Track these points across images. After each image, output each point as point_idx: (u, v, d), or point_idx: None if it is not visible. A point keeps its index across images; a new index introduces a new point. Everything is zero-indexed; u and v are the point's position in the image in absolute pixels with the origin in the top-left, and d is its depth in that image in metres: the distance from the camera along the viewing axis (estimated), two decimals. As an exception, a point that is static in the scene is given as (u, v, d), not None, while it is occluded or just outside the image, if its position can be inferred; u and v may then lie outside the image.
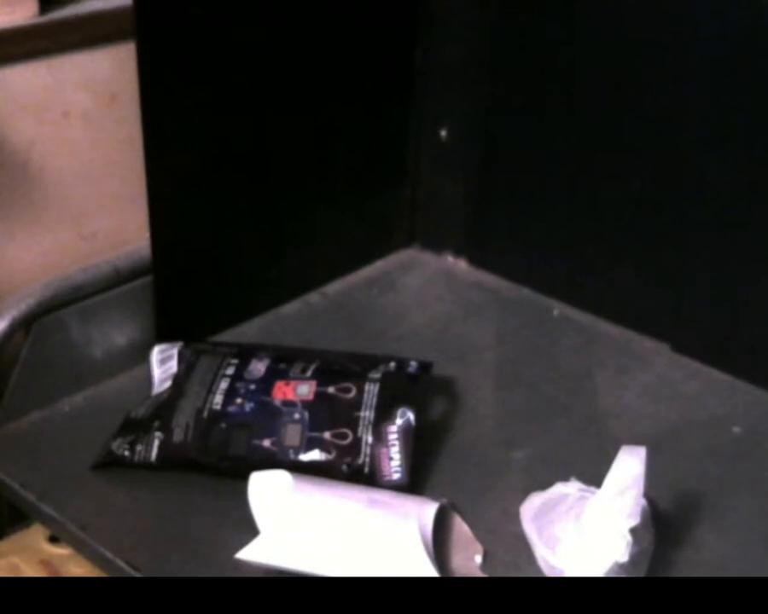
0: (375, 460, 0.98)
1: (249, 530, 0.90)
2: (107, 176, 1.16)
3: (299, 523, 0.90)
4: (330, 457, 0.98)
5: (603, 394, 1.18)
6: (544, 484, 0.98)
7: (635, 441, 0.90)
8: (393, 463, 0.98)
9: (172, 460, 1.00)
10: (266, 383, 1.04)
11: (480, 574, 0.91)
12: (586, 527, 0.86)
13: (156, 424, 1.02)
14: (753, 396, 1.18)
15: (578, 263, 1.33)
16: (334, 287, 1.38)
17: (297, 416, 1.00)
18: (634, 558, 0.85)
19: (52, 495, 0.99)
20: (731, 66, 1.14)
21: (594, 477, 0.92)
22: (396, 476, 0.98)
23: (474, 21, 1.35)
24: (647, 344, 1.27)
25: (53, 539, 1.03)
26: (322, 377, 1.04)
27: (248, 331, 1.26)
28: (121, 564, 0.91)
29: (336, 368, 1.06)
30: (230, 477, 0.98)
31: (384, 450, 0.98)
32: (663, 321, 1.27)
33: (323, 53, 1.26)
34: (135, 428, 1.03)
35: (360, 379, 1.03)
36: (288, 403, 1.01)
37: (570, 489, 0.95)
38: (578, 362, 1.24)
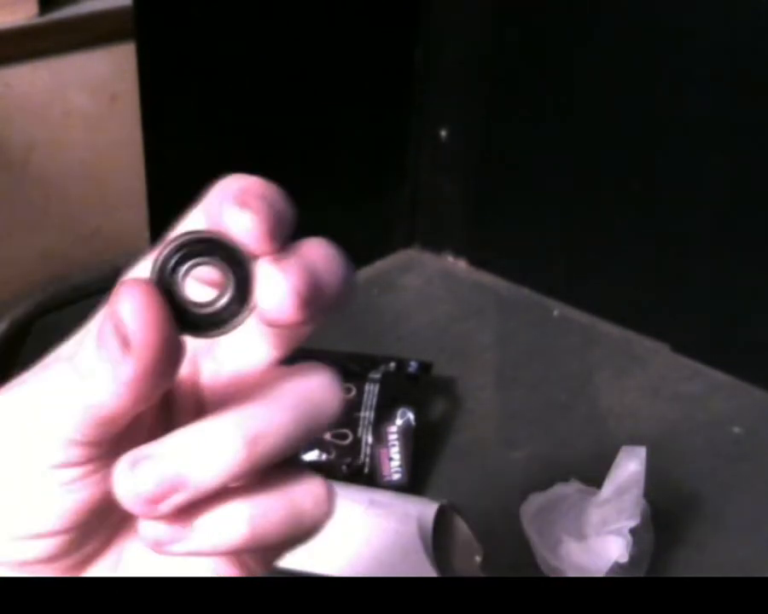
0: (375, 460, 0.98)
1: (249, 530, 0.90)
2: (107, 176, 1.16)
3: (299, 523, 0.90)
4: (330, 457, 0.98)
5: (603, 394, 1.18)
6: (544, 484, 0.98)
7: (635, 441, 0.90)
8: (393, 463, 0.98)
9: (172, 461, 1.00)
10: (266, 383, 1.03)
11: (479, 574, 0.91)
12: (586, 527, 0.86)
13: (156, 424, 1.02)
14: (753, 396, 1.18)
15: (578, 263, 1.33)
16: (334, 287, 1.38)
17: (297, 416, 1.00)
18: (634, 559, 0.85)
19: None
20: (731, 66, 1.14)
21: (594, 477, 0.92)
22: (396, 476, 0.98)
23: (474, 22, 1.35)
24: (647, 344, 1.27)
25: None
26: (322, 377, 1.04)
27: (248, 331, 1.26)
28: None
29: (336, 368, 1.06)
30: (230, 477, 0.98)
31: (384, 450, 0.98)
32: (663, 321, 1.27)
33: (323, 53, 1.26)
34: (135, 428, 1.03)
35: (360, 379, 1.03)
36: (288, 403, 1.01)
37: (570, 489, 0.95)
38: (578, 363, 1.24)
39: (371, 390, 1.02)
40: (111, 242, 1.18)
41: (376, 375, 1.04)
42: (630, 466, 0.86)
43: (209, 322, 0.31)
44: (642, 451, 0.87)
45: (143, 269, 0.32)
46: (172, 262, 0.30)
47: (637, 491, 0.86)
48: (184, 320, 0.30)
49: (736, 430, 1.12)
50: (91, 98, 1.12)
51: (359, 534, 0.89)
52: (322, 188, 1.33)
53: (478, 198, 1.42)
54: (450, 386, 1.17)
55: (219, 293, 0.31)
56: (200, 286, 0.31)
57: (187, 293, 0.30)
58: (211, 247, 0.30)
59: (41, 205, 1.11)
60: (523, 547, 0.93)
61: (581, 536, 0.87)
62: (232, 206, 0.31)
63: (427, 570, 0.85)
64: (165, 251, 0.30)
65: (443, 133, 1.41)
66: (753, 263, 1.18)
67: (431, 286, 1.41)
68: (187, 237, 0.30)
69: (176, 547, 0.31)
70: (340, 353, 1.12)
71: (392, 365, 1.08)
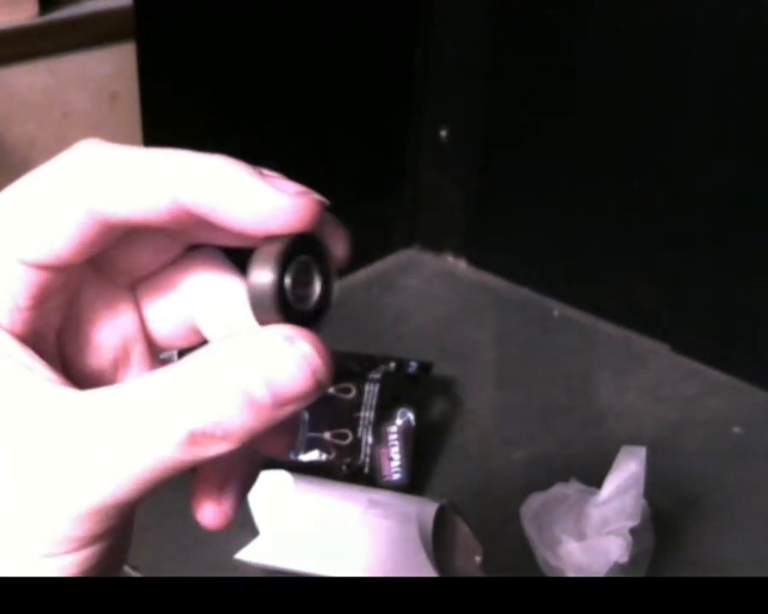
0: (375, 460, 0.98)
1: (249, 530, 0.90)
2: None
3: (299, 523, 0.90)
4: (330, 457, 0.98)
5: (603, 394, 1.18)
6: (544, 484, 0.98)
7: (635, 441, 0.90)
8: (393, 463, 0.98)
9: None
10: (266, 383, 1.04)
11: (480, 574, 0.91)
12: (586, 527, 0.86)
13: (156, 424, 1.02)
14: (753, 396, 1.18)
15: (578, 263, 1.33)
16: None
17: (297, 416, 1.00)
18: (634, 559, 0.85)
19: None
20: (731, 66, 1.14)
21: (594, 477, 0.92)
22: (396, 476, 0.98)
23: (474, 22, 1.35)
24: (647, 344, 1.27)
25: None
26: (322, 377, 1.04)
27: (248, 331, 1.26)
28: (121, 564, 0.91)
29: (336, 368, 1.06)
30: (230, 477, 0.98)
31: (384, 450, 0.98)
32: (663, 321, 1.27)
33: (324, 53, 1.26)
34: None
35: (360, 379, 1.03)
36: (288, 403, 1.01)
37: (570, 489, 0.95)
38: (578, 362, 1.24)
39: (371, 391, 1.02)
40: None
41: (376, 375, 1.04)
42: (630, 466, 0.86)
43: (307, 318, 0.32)
44: (642, 451, 0.87)
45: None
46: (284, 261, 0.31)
47: (636, 491, 0.86)
48: (290, 315, 0.31)
49: (736, 430, 1.12)
50: (91, 98, 1.12)
51: (359, 534, 0.89)
52: (321, 188, 1.33)
53: (478, 198, 1.42)
54: (450, 386, 1.17)
55: (309, 289, 0.32)
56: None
57: (293, 290, 0.31)
58: (308, 246, 0.32)
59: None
60: (523, 547, 0.93)
61: (581, 536, 0.87)
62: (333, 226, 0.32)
63: (427, 570, 0.85)
64: (281, 251, 0.30)
65: (443, 133, 1.41)
66: (753, 263, 1.18)
67: (431, 286, 1.41)
68: (293, 238, 0.31)
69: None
70: (340, 353, 1.12)
71: (392, 365, 1.08)
